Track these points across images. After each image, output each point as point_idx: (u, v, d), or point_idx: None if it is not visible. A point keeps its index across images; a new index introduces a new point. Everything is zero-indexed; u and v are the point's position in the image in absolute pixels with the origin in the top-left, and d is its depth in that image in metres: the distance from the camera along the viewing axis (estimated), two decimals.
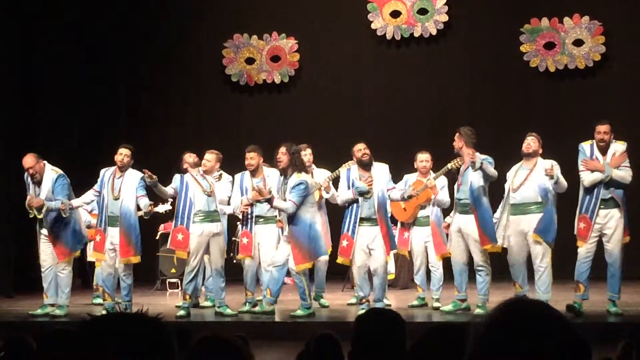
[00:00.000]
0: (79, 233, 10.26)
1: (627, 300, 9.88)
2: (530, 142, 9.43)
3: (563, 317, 1.70)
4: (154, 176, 9.78)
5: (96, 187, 10.20)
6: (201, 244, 9.97)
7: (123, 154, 10.07)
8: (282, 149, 9.62)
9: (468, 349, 1.70)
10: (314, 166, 10.63)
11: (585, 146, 9.34)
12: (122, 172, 10.06)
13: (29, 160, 10.04)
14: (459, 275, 9.75)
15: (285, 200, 9.43)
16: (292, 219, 9.50)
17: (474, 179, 9.46)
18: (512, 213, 9.39)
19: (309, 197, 9.57)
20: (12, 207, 10.25)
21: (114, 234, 9.98)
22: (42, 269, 10.15)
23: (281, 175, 9.66)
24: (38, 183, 10.04)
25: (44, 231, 10.10)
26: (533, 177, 9.35)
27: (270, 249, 10.00)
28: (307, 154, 10.46)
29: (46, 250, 10.13)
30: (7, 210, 11.11)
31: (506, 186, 9.53)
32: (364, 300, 9.61)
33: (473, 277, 9.80)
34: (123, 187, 9.98)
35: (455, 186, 9.77)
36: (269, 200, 9.45)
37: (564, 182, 9.31)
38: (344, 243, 9.63)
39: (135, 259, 10.06)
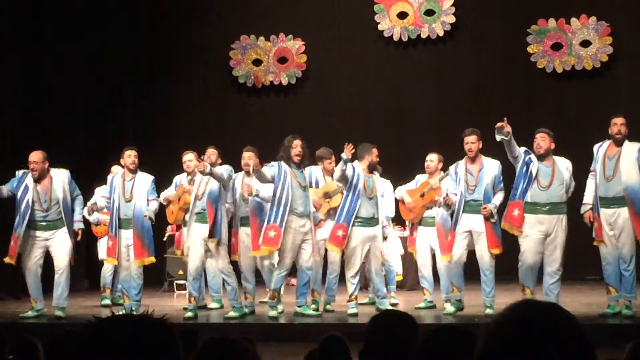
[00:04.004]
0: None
1: (636, 302, 9.85)
2: (540, 142, 9.22)
3: (573, 318, 1.69)
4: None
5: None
6: (201, 244, 9.93)
7: (132, 155, 10.09)
8: (302, 143, 9.70)
9: (478, 349, 1.70)
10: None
11: (596, 147, 9.26)
12: (132, 174, 10.09)
13: (36, 155, 10.02)
14: (459, 274, 9.63)
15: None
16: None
17: (489, 181, 9.45)
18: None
19: None
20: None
21: (127, 236, 10.03)
22: (31, 275, 10.04)
23: (299, 167, 9.71)
24: (37, 181, 10.01)
25: (42, 234, 10.04)
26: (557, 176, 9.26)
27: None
28: (332, 162, 10.45)
29: (37, 255, 10.06)
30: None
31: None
32: (353, 298, 9.74)
33: (469, 279, 9.79)
34: (135, 189, 10.02)
35: (464, 185, 9.57)
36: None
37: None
38: (339, 232, 9.65)
39: (149, 260, 10.12)
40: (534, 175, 9.14)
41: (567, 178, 9.26)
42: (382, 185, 10.13)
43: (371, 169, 9.81)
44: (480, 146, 9.60)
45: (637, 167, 8.97)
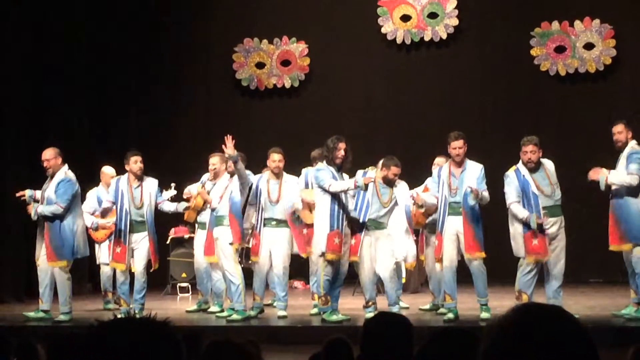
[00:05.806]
0: (72, 245, 9.91)
1: None
2: (531, 156, 9.10)
3: (577, 321, 1.69)
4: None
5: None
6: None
7: (138, 161, 10.08)
8: (347, 146, 9.57)
9: (481, 350, 1.70)
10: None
11: None
12: (139, 180, 10.08)
13: (48, 153, 10.00)
14: (452, 281, 9.37)
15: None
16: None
17: (470, 183, 9.27)
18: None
19: None
20: (25, 208, 10.22)
21: (135, 240, 10.04)
22: (39, 272, 10.02)
23: (339, 170, 9.59)
24: (51, 177, 9.98)
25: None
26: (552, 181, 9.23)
27: (282, 253, 10.00)
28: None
29: (42, 251, 9.98)
30: (19, 211, 11.08)
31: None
32: (370, 304, 9.54)
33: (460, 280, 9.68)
34: (145, 195, 10.04)
35: (447, 188, 9.43)
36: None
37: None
38: (353, 241, 9.54)
39: (157, 264, 10.31)
40: (536, 192, 9.07)
41: (556, 177, 9.24)
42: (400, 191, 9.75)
43: (386, 182, 9.54)
44: (466, 149, 9.48)
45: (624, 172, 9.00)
